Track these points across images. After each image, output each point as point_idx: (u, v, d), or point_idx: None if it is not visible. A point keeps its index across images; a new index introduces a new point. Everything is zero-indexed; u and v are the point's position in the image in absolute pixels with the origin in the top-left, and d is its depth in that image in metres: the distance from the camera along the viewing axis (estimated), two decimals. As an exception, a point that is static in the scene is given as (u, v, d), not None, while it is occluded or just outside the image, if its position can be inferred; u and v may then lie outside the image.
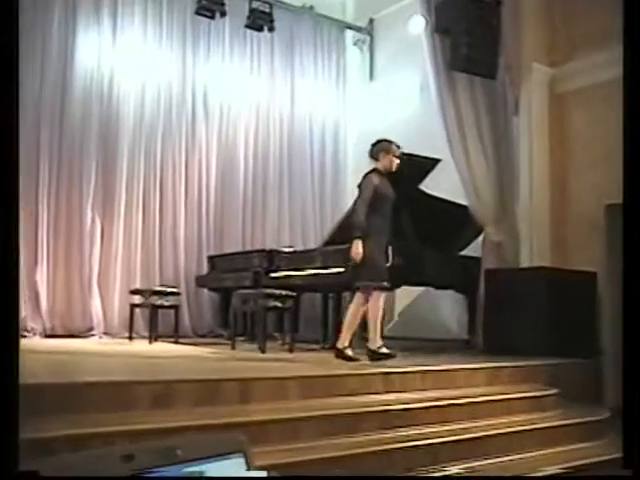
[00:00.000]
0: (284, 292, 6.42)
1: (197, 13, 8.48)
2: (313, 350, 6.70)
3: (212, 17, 8.54)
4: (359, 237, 5.39)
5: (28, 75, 7.69)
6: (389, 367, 4.99)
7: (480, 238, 7.51)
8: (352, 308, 5.49)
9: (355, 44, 10.28)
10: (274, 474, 1.00)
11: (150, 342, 7.15)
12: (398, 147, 5.72)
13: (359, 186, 5.59)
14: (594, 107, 7.28)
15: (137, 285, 8.14)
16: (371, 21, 10.34)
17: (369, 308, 5.44)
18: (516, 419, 4.63)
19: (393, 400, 4.32)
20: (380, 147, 5.65)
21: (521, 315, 6.47)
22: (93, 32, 8.35)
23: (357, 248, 5.36)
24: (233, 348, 6.44)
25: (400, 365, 5.12)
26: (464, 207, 7.34)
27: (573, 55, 7.48)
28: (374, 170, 5.62)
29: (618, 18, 6.92)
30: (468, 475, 3.55)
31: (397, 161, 5.65)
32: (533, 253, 7.32)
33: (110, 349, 6.66)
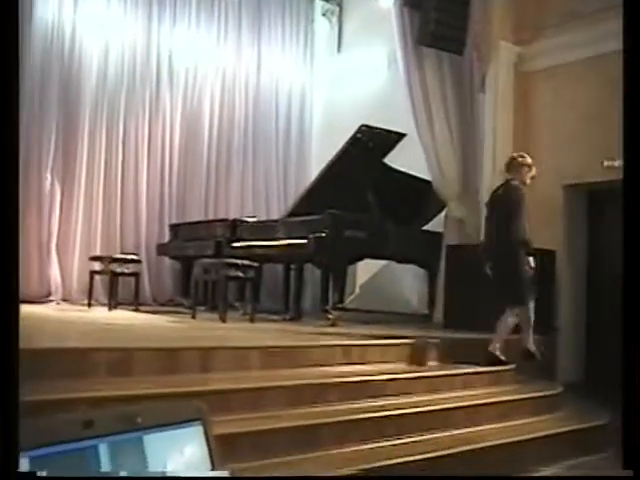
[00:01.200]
0: (246, 262, 6.40)
1: (165, -26, 8.31)
2: (274, 321, 6.71)
3: (180, -19, 8.40)
4: (531, 254, 5.36)
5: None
6: (350, 339, 5.03)
7: (442, 213, 7.58)
8: (509, 322, 5.35)
9: (324, 14, 10.17)
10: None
11: (109, 309, 7.09)
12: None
13: (506, 200, 5.38)
14: (558, 88, 7.35)
15: (97, 252, 8.03)
16: (341, -8, 10.27)
17: (522, 319, 5.37)
18: (475, 393, 4.71)
19: (354, 372, 4.36)
20: (522, 162, 5.52)
21: (480, 291, 6.52)
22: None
23: (531, 264, 5.32)
24: (194, 317, 6.42)
25: (361, 338, 5.17)
26: (427, 182, 7.38)
27: (540, 35, 7.51)
28: (511, 182, 5.46)
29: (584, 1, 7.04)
30: (467, 475, 3.61)
31: (532, 174, 5.58)
32: (494, 229, 7.39)
33: (68, 315, 6.59)
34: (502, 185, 5.56)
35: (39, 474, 0.90)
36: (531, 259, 5.38)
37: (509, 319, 5.32)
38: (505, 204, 5.35)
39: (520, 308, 5.33)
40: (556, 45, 7.34)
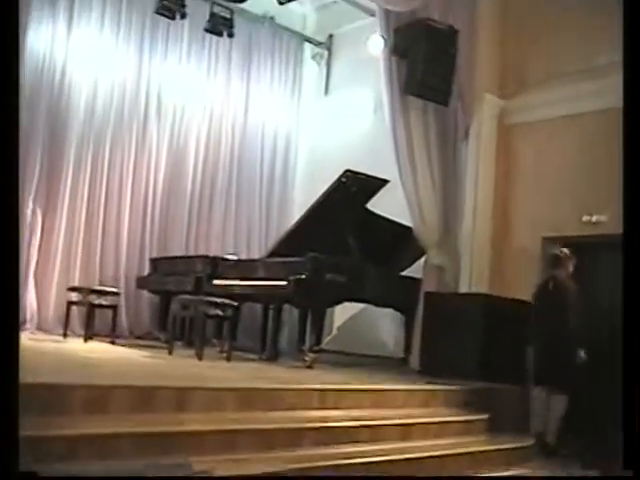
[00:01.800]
0: (226, 301, 6.42)
1: (157, 12, 8.41)
2: (251, 360, 6.70)
3: (172, 17, 8.50)
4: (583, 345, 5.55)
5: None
6: (326, 384, 5.05)
7: (422, 260, 7.65)
8: (558, 409, 5.59)
9: (313, 58, 10.34)
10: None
11: (85, 341, 7.04)
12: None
13: (560, 294, 5.73)
14: (539, 142, 7.54)
15: (76, 282, 7.99)
16: (330, 36, 10.43)
17: (556, 408, 5.60)
18: (447, 442, 4.74)
19: (329, 417, 4.38)
20: (568, 256, 5.90)
21: (457, 338, 6.61)
22: (47, 22, 8.14)
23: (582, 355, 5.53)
24: (170, 353, 6.40)
25: (337, 382, 5.19)
26: (408, 228, 7.47)
27: (523, 90, 7.73)
28: (558, 276, 5.82)
29: (566, 60, 7.26)
30: (467, 475, 3.62)
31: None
32: (472, 278, 7.51)
33: (44, 346, 6.52)
34: (550, 280, 5.88)
35: (39, 474, 0.92)
36: (582, 351, 5.59)
37: (557, 407, 5.54)
38: (560, 298, 5.69)
39: (560, 397, 5.51)
40: (538, 101, 7.55)
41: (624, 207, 3.61)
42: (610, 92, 5.93)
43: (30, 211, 7.91)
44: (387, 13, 7.47)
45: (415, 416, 4.95)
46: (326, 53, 10.42)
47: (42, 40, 8.12)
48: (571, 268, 5.86)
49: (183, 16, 8.45)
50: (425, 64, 7.10)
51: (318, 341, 6.51)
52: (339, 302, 7.00)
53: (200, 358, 6.07)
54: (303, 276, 6.22)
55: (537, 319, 5.90)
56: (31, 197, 7.91)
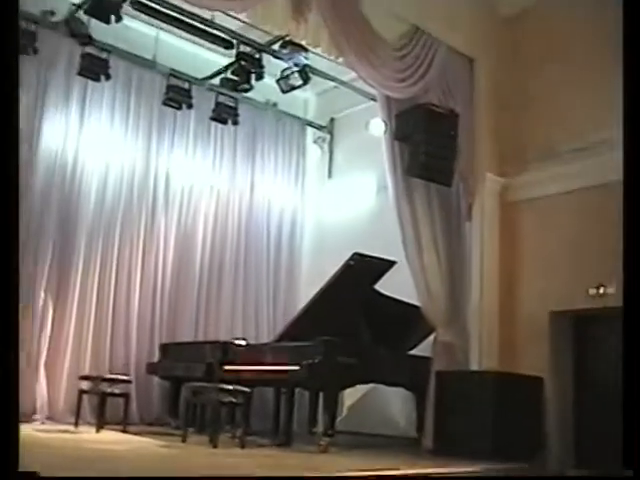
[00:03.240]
0: (238, 387, 6.42)
1: (164, 104, 8.73)
2: (265, 446, 6.66)
3: (179, 108, 8.81)
4: None
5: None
6: (344, 470, 5.01)
7: (431, 338, 7.68)
8: None
9: (315, 141, 10.62)
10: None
11: (97, 430, 7.01)
12: None
13: None
14: (544, 217, 7.67)
15: (86, 370, 8.02)
16: (332, 120, 10.75)
17: None
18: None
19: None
20: None
21: (470, 417, 6.59)
22: (61, 115, 8.47)
23: None
24: (184, 441, 6.37)
25: (354, 467, 5.15)
26: (416, 307, 7.52)
27: (523, 168, 7.91)
28: None
29: (564, 137, 7.46)
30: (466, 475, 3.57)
31: None
32: (482, 355, 7.52)
33: (57, 438, 6.48)
34: None
35: (39, 474, 0.94)
36: None
37: None
38: None
39: None
40: (538, 178, 7.73)
41: (624, 282, 3.67)
42: (609, 168, 6.10)
43: (42, 301, 8.00)
44: (388, 99, 7.69)
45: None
46: (328, 137, 10.71)
47: (55, 136, 8.41)
48: None
49: (189, 106, 8.78)
50: (427, 147, 7.29)
51: (332, 424, 6.48)
52: (351, 385, 7.00)
53: (215, 445, 6.04)
54: (315, 360, 6.25)
55: None
56: (42, 288, 8.02)
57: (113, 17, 7.21)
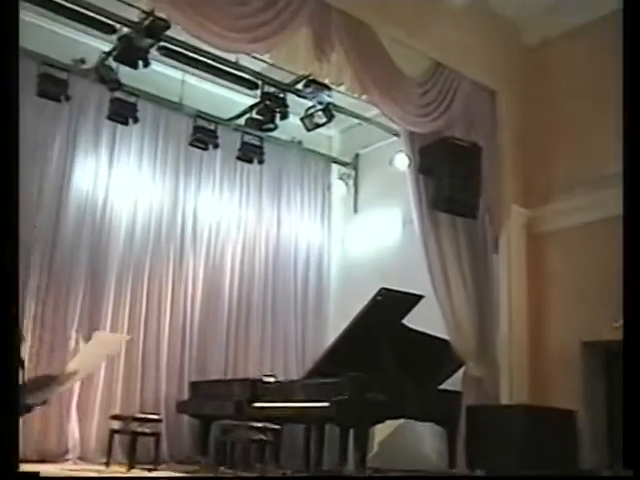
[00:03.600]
0: (268, 425, 6.43)
1: (191, 144, 8.89)
2: (295, 484, 6.65)
3: (205, 148, 8.96)
4: None
5: (25, 198, 7.92)
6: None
7: (460, 372, 7.63)
8: None
9: (340, 178, 10.68)
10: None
11: (128, 470, 7.04)
12: None
13: None
14: (570, 248, 7.63)
15: (117, 410, 8.07)
16: (356, 156, 10.83)
17: None
18: None
19: None
20: None
21: (503, 451, 6.51)
22: (92, 157, 8.68)
23: None
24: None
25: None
26: (445, 341, 7.48)
27: (548, 199, 7.89)
28: None
29: (590, 166, 7.45)
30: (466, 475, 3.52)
31: None
32: (512, 387, 7.46)
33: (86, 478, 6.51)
34: None
35: (39, 474, 0.95)
36: None
37: None
38: None
39: None
40: (564, 208, 7.71)
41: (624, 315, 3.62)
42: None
43: (73, 342, 8.10)
44: (411, 134, 7.76)
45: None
46: (353, 172, 10.79)
47: (86, 178, 8.62)
48: None
49: (216, 146, 8.93)
50: (451, 181, 7.31)
51: (362, 461, 6.44)
52: (381, 421, 6.96)
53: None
54: (344, 397, 6.23)
55: None
56: (74, 328, 8.13)
57: (141, 62, 7.39)
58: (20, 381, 2.06)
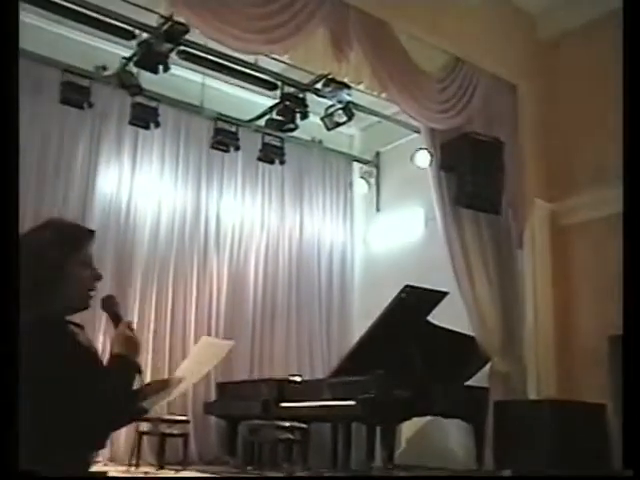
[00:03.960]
0: (295, 424, 6.46)
1: (213, 147, 8.95)
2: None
3: (227, 150, 9.01)
4: None
5: (50, 202, 8.05)
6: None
7: (487, 367, 7.60)
8: None
9: (362, 176, 10.65)
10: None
11: (157, 470, 7.11)
12: None
13: None
14: (595, 240, 7.54)
15: (145, 411, 8.13)
16: (377, 154, 10.82)
17: None
18: None
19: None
20: None
21: (531, 447, 6.48)
22: (114, 165, 8.79)
23: None
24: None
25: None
26: (471, 337, 7.46)
27: (573, 191, 7.81)
28: None
29: (610, 156, 7.37)
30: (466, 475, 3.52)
31: None
32: (540, 382, 7.41)
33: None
34: None
35: (39, 474, 0.95)
36: None
37: None
38: None
39: None
40: (589, 201, 7.61)
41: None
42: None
43: (101, 345, 8.17)
44: (432, 130, 7.72)
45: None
46: (375, 170, 10.77)
47: (109, 182, 8.73)
48: None
49: (237, 148, 8.98)
50: (473, 176, 7.29)
51: (390, 458, 6.45)
52: (407, 418, 6.96)
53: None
54: (371, 395, 6.24)
55: None
56: (101, 331, 8.20)
57: (161, 67, 7.45)
58: (136, 385, 2.11)
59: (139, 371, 2.20)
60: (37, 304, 2.07)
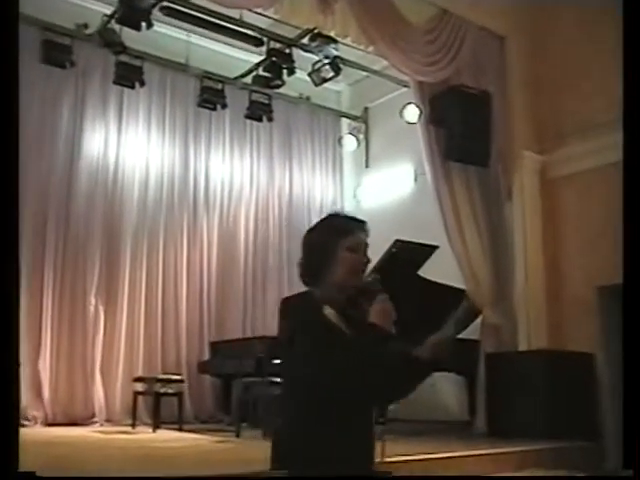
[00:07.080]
0: (289, 379, 6.48)
1: (199, 105, 8.86)
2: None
3: (213, 109, 8.93)
4: None
5: (35, 167, 7.96)
6: (397, 455, 5.04)
7: (478, 320, 7.65)
8: None
9: (351, 132, 10.57)
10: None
11: (154, 430, 7.15)
12: None
13: None
14: (584, 192, 7.55)
15: (139, 371, 8.19)
16: (366, 110, 10.74)
17: None
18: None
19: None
20: None
21: (522, 397, 6.56)
22: (100, 123, 8.68)
23: None
24: (238, 436, 6.49)
25: (408, 452, 5.17)
26: (461, 290, 7.49)
27: (561, 143, 7.78)
28: None
29: (602, 108, 7.31)
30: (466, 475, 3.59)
31: None
32: (530, 334, 7.47)
33: (114, 439, 6.63)
34: None
35: (39, 474, 0.95)
36: None
37: None
38: None
39: None
40: (578, 152, 7.58)
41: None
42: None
43: (93, 308, 8.19)
44: (420, 84, 7.65)
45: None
46: (363, 126, 10.70)
47: (96, 143, 8.63)
48: None
49: (224, 106, 8.89)
50: (462, 129, 7.26)
51: (382, 412, 6.49)
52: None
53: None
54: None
55: None
56: (93, 293, 8.22)
57: (144, 24, 7.31)
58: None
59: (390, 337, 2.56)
60: (315, 282, 2.54)
